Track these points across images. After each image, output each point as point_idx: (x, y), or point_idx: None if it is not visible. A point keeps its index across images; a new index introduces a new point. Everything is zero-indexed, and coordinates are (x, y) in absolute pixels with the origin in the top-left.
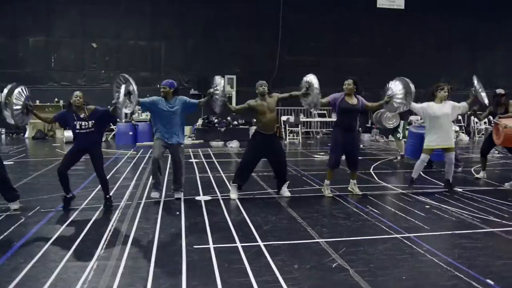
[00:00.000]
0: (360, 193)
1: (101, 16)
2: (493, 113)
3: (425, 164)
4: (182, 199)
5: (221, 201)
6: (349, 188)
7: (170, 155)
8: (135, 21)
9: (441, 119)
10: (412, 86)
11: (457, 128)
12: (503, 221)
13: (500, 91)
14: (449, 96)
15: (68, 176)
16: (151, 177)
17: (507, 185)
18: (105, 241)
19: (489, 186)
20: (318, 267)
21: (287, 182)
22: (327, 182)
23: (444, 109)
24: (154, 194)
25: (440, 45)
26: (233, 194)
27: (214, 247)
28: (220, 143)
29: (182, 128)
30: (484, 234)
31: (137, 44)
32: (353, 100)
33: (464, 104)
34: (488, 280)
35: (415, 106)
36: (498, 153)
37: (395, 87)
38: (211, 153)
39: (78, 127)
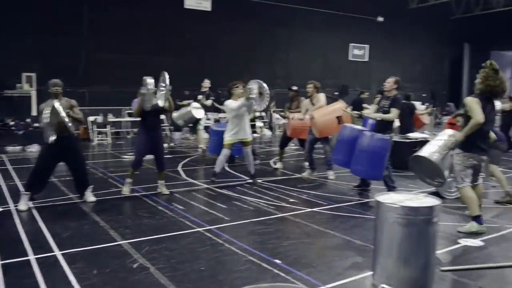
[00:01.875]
0: (168, 192)
1: None
2: (290, 108)
3: (227, 158)
4: None
5: (14, 212)
6: (158, 190)
7: None
8: None
9: (239, 115)
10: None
11: (261, 124)
12: (293, 206)
13: (294, 87)
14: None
15: None
16: None
17: (304, 175)
18: None
19: (284, 176)
20: (118, 269)
21: (91, 186)
22: (128, 180)
23: None
24: None
25: (245, 46)
26: (23, 205)
27: (1, 264)
28: (18, 148)
29: None
30: (276, 219)
31: None
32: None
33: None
34: (276, 260)
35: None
36: (294, 145)
37: None
38: (5, 159)
39: None
